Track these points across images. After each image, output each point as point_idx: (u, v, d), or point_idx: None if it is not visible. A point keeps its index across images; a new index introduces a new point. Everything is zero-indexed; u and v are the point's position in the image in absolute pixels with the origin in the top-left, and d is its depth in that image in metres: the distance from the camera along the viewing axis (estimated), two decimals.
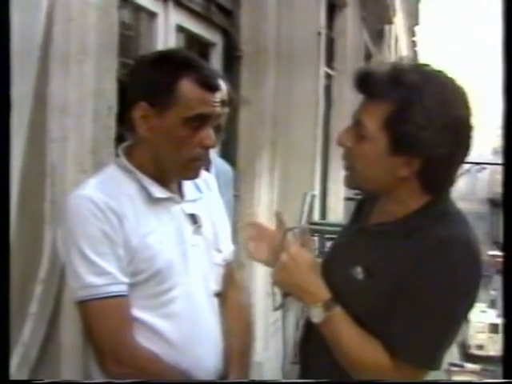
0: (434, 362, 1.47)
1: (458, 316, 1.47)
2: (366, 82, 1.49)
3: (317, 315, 1.50)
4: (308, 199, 1.63)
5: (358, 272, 1.51)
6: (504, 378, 1.51)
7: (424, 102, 1.40)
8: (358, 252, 1.57)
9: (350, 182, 1.59)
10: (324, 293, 1.51)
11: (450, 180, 1.52)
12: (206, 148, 1.62)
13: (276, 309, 1.64)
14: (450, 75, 1.49)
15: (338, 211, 6.79)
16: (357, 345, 1.48)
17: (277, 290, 1.59)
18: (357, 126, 1.51)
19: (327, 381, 1.58)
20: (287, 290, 1.57)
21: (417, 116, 1.40)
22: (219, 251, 1.78)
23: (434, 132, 1.40)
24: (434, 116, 1.40)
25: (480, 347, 15.89)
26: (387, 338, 1.45)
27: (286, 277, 1.53)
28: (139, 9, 2.83)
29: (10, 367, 1.38)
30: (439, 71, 1.49)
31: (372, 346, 1.46)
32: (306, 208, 1.62)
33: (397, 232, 1.50)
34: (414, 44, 19.66)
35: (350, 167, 1.55)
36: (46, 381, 1.79)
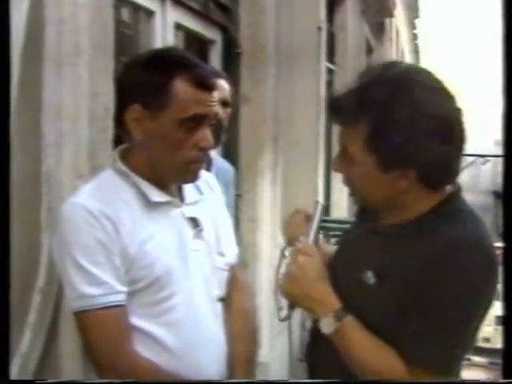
0: (452, 368, 1.43)
1: (474, 317, 1.42)
2: (335, 111, 1.47)
3: (327, 326, 1.45)
4: (318, 209, 1.59)
5: (369, 277, 1.47)
6: (504, 378, 1.48)
7: (395, 114, 1.35)
8: (368, 256, 1.52)
9: (355, 200, 1.59)
10: (334, 302, 1.47)
11: (452, 175, 1.48)
12: (203, 150, 1.58)
13: (282, 320, 1.60)
14: (420, 70, 1.44)
15: (342, 207, 6.76)
16: (371, 354, 1.43)
17: (282, 301, 1.55)
18: (343, 152, 1.48)
19: (332, 381, 1.54)
20: (295, 300, 1.52)
21: (393, 131, 1.36)
22: (222, 255, 1.74)
23: (417, 140, 1.35)
24: (412, 125, 1.35)
25: (487, 340, 15.92)
26: (402, 345, 1.41)
27: (294, 287, 1.49)
28: (137, 7, 2.80)
29: (10, 367, 1.35)
30: (407, 70, 1.44)
31: (387, 355, 1.42)
32: (317, 218, 1.58)
33: (409, 234, 1.46)
34: (414, 37, 19.64)
35: (352, 191, 1.54)
36: (48, 381, 1.77)
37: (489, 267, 1.40)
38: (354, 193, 1.55)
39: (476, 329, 1.43)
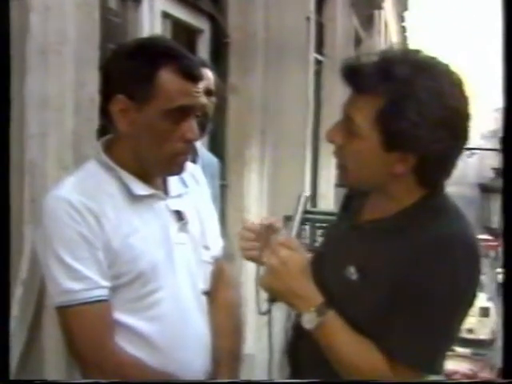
0: (434, 366, 1.42)
1: (457, 315, 1.42)
2: (353, 75, 1.41)
3: (309, 321, 1.43)
4: (302, 201, 1.55)
5: (352, 272, 1.46)
6: (504, 378, 1.48)
7: (417, 95, 1.33)
8: (351, 251, 1.51)
9: (343, 181, 1.53)
10: (317, 296, 1.45)
11: (445, 174, 1.46)
12: (189, 142, 1.56)
13: (262, 313, 1.57)
14: (443, 62, 1.42)
15: (329, 198, 6.77)
16: (352, 350, 1.42)
17: (262, 295, 1.52)
18: (346, 122, 1.43)
19: (321, 381, 1.52)
20: (277, 295, 1.49)
21: (410, 111, 1.33)
22: (207, 248, 1.73)
23: (429, 127, 1.33)
24: (428, 110, 1.33)
25: (470, 331, 16.11)
26: (384, 342, 1.40)
27: (275, 282, 1.45)
28: None
29: (10, 367, 1.34)
30: (432, 58, 1.42)
31: (368, 351, 1.41)
32: (300, 210, 1.54)
33: (391, 229, 1.44)
34: (403, 29, 19.66)
35: (342, 165, 1.48)
36: (48, 380, 1.76)
37: (472, 263, 1.40)
38: (341, 168, 1.49)
39: (459, 324, 1.43)
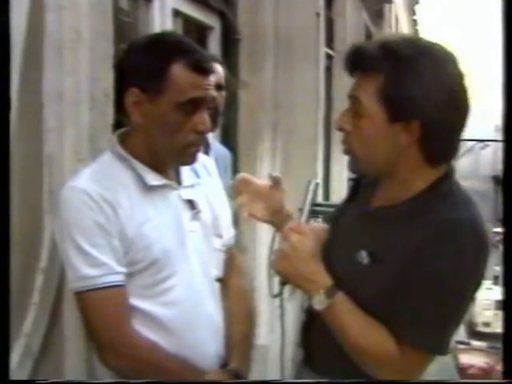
0: (441, 347, 1.45)
1: (464, 299, 1.45)
2: (357, 57, 1.48)
3: (319, 302, 1.48)
4: (311, 187, 1.60)
5: (363, 256, 1.49)
6: (504, 378, 1.49)
7: (414, 67, 1.40)
8: (362, 236, 1.55)
9: (354, 167, 1.57)
10: (326, 279, 1.49)
11: (451, 149, 1.50)
12: (201, 133, 1.60)
13: (274, 296, 1.63)
14: (439, 44, 1.48)
15: (342, 193, 6.76)
16: (361, 331, 1.46)
17: (274, 278, 1.57)
18: (352, 105, 1.49)
19: (328, 381, 1.57)
20: (288, 278, 1.54)
21: (410, 82, 1.39)
22: (219, 236, 1.77)
23: (427, 94, 1.39)
24: (425, 79, 1.39)
25: (486, 324, 15.90)
26: (393, 323, 1.44)
27: (286, 266, 1.51)
28: None
29: (10, 367, 1.38)
30: (426, 39, 1.49)
31: (377, 332, 1.45)
32: (310, 197, 1.59)
33: (402, 215, 1.48)
34: (414, 23, 19.51)
35: (350, 150, 1.53)
36: (49, 381, 1.78)
37: (480, 249, 1.42)
38: (350, 153, 1.53)
39: (465, 309, 1.45)
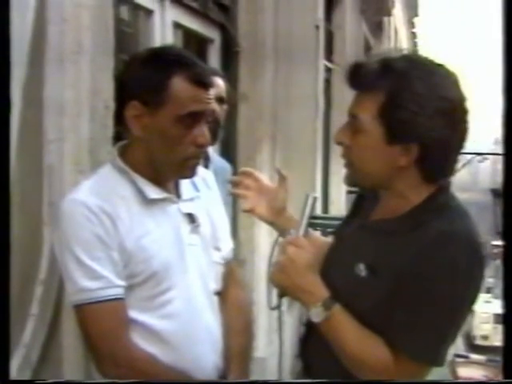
0: (437, 358, 1.46)
1: (460, 310, 1.46)
2: (356, 76, 1.49)
3: (316, 315, 1.49)
4: (310, 201, 1.60)
5: (361, 269, 1.50)
6: (504, 378, 1.51)
7: (413, 87, 1.40)
8: (361, 249, 1.55)
9: (351, 180, 1.58)
10: (323, 292, 1.50)
11: (449, 168, 1.51)
12: (200, 146, 1.61)
13: (272, 309, 1.63)
14: (439, 61, 1.49)
15: (340, 205, 6.78)
16: (358, 343, 1.46)
17: (273, 290, 1.58)
18: (352, 121, 1.50)
19: (327, 381, 1.57)
20: (286, 291, 1.55)
21: (408, 102, 1.40)
22: (218, 249, 1.78)
23: (427, 116, 1.40)
24: (425, 101, 1.40)
25: (485, 338, 15.88)
26: (390, 335, 1.44)
27: (284, 278, 1.51)
28: (136, 6, 2.82)
29: (10, 367, 1.38)
30: (427, 58, 1.50)
31: (374, 344, 1.45)
32: (308, 210, 1.59)
33: (399, 229, 1.49)
34: (413, 35, 19.61)
35: (350, 164, 1.54)
36: (48, 381, 1.79)
37: (476, 262, 1.43)
38: (349, 167, 1.55)
39: (462, 320, 1.46)
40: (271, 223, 1.84)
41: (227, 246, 1.85)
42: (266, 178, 1.86)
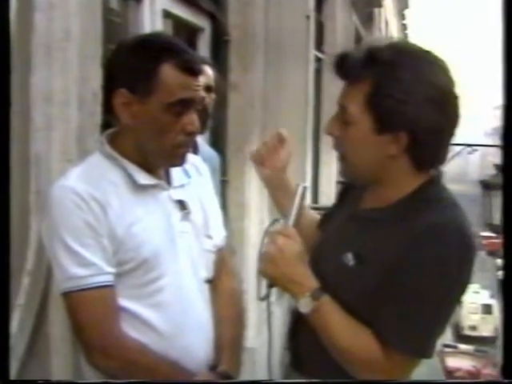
0: (426, 350, 1.46)
1: (449, 302, 1.46)
2: (342, 66, 1.49)
3: (305, 305, 1.48)
4: (300, 191, 1.59)
5: (349, 259, 1.50)
6: (504, 378, 1.51)
7: (399, 75, 1.40)
8: (349, 238, 1.55)
9: (345, 173, 1.58)
10: (311, 282, 1.49)
11: (441, 155, 1.51)
12: (190, 134, 1.59)
13: (261, 299, 1.62)
14: (426, 49, 1.48)
15: (330, 195, 6.78)
16: (346, 334, 1.46)
17: (262, 281, 1.57)
18: (341, 112, 1.50)
19: (321, 381, 1.56)
20: (274, 281, 1.53)
21: (395, 90, 1.40)
22: (209, 237, 1.76)
23: (415, 104, 1.39)
24: (411, 88, 1.39)
25: (473, 328, 16.06)
26: (378, 326, 1.44)
27: (273, 268, 1.50)
28: None
29: (10, 367, 1.37)
30: (414, 45, 1.50)
31: (362, 335, 1.45)
32: (298, 200, 1.58)
33: (389, 218, 1.49)
34: (404, 27, 19.63)
35: (342, 157, 1.54)
36: (51, 380, 1.78)
37: (465, 253, 1.43)
38: (341, 159, 1.54)
39: (450, 312, 1.46)
40: (268, 180, 1.86)
41: (219, 233, 1.83)
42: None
